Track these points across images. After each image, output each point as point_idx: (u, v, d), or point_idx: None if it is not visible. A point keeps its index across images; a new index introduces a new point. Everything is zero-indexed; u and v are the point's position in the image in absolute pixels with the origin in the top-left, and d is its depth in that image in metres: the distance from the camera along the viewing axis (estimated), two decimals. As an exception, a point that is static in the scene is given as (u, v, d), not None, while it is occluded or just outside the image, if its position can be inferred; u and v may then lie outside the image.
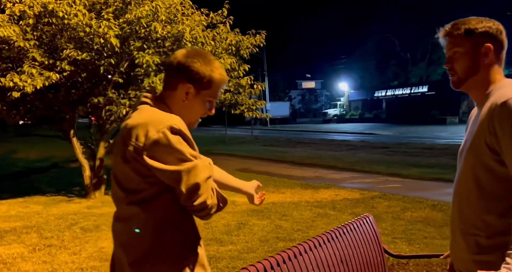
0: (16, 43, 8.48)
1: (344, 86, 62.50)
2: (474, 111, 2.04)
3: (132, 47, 9.02)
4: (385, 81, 60.12)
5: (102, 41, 8.51)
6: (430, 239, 6.19)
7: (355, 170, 13.76)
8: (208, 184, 1.79)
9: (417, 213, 7.77)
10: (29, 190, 11.01)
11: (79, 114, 10.78)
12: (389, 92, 55.38)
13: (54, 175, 14.41)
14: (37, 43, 8.96)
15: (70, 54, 8.56)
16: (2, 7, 9.00)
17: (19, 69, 8.61)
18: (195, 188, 1.75)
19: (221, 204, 1.86)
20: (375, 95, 57.33)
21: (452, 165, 2.06)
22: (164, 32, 8.91)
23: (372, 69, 61.28)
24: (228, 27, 10.39)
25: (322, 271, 2.77)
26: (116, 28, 8.59)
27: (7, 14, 8.83)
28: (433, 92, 46.49)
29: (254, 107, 11.13)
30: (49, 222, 7.84)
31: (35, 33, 9.02)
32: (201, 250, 1.93)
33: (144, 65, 8.72)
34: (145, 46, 9.07)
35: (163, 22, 9.02)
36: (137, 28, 8.90)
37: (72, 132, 10.24)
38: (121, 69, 9.23)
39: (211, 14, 10.41)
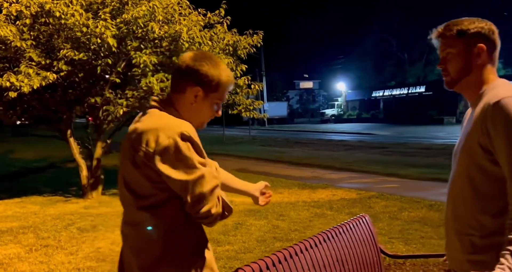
0: (13, 43, 8.46)
1: (341, 86, 62.52)
2: (469, 111, 2.05)
3: (129, 47, 9.01)
4: (382, 81, 60.16)
5: (99, 41, 8.50)
6: (427, 239, 6.20)
7: (353, 170, 13.77)
8: (214, 194, 1.81)
9: (414, 213, 7.78)
10: (26, 190, 10.99)
11: (77, 114, 10.77)
12: (387, 92, 55.42)
13: (51, 175, 14.40)
14: (34, 43, 8.94)
15: (67, 54, 8.55)
16: (-1, 7, 8.99)
17: (16, 69, 8.60)
18: (200, 198, 1.78)
19: (226, 213, 1.88)
20: (372, 95, 57.36)
21: (450, 165, 2.05)
22: (161, 32, 8.91)
23: (369, 69, 61.29)
24: (226, 27, 10.38)
25: (318, 271, 2.78)
26: (113, 28, 8.58)
27: (4, 14, 8.82)
28: (431, 92, 46.54)
29: (251, 107, 11.13)
30: (46, 222, 7.83)
31: (32, 33, 9.00)
32: (209, 254, 1.95)
33: (141, 65, 8.71)
34: (142, 46, 9.06)
35: (160, 22, 9.01)
36: (134, 28, 8.89)
37: (69, 132, 10.23)
38: (118, 69, 9.22)
39: (209, 14, 10.40)
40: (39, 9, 8.60)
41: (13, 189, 11.37)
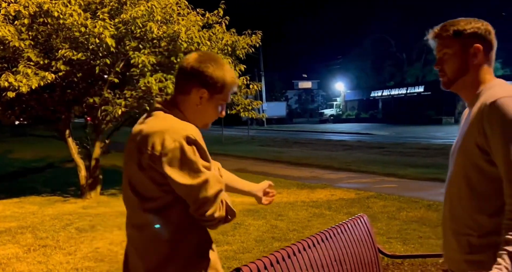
0: (11, 43, 8.44)
1: (340, 86, 62.55)
2: (466, 111, 2.05)
3: (127, 47, 9.01)
4: (381, 81, 60.21)
5: (97, 41, 8.50)
6: (425, 239, 6.21)
7: (351, 170, 13.78)
8: (218, 198, 1.82)
9: (413, 213, 7.79)
10: (25, 190, 10.98)
11: (75, 114, 10.76)
12: (385, 92, 55.45)
13: (50, 175, 14.39)
14: (32, 43, 8.94)
15: (65, 54, 8.54)
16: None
17: (14, 69, 8.59)
18: (204, 202, 1.79)
19: (229, 217, 1.89)
20: (371, 95, 57.39)
21: (448, 165, 2.06)
22: (160, 32, 8.90)
23: (368, 69, 61.35)
24: (224, 27, 10.38)
25: (316, 271, 2.78)
26: (111, 28, 8.57)
27: (2, 14, 8.80)
28: (429, 92, 46.58)
29: (250, 107, 11.13)
30: (44, 222, 7.82)
31: (30, 33, 9.00)
32: (213, 254, 1.96)
33: (140, 65, 8.71)
34: (140, 46, 9.06)
35: (159, 22, 9.02)
36: (132, 28, 8.89)
37: (67, 132, 10.22)
38: (117, 69, 9.22)
39: (207, 14, 10.40)
40: (37, 9, 8.59)
41: (11, 189, 11.36)
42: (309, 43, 73.10)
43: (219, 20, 10.46)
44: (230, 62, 9.92)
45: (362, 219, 3.45)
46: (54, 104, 10.08)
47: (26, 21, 8.71)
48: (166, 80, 9.07)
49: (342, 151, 20.22)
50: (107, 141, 10.53)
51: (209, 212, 1.80)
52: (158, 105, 1.94)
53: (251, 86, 10.90)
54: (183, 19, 9.45)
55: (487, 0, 44.27)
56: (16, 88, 8.19)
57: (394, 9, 54.58)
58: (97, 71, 8.90)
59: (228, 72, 1.95)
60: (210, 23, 10.42)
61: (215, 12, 10.52)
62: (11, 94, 8.30)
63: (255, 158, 18.07)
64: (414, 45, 50.69)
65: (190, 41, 9.09)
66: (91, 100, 9.37)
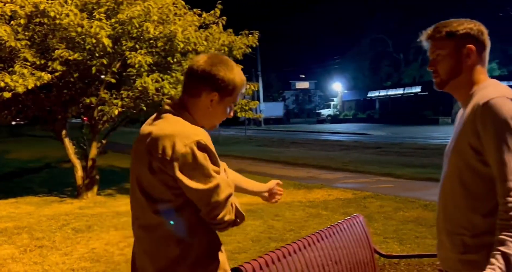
0: (7, 43, 8.43)
1: (337, 87, 62.59)
2: (460, 111, 2.06)
3: (124, 47, 9.01)
4: (378, 81, 60.29)
5: (94, 41, 8.49)
6: (422, 238, 6.21)
7: (348, 170, 13.78)
8: (228, 202, 1.84)
9: (409, 213, 7.79)
10: (21, 191, 10.97)
11: (72, 114, 10.74)
12: (382, 93, 55.48)
13: (46, 175, 14.37)
14: (28, 43, 8.92)
15: (61, 54, 8.53)
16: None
17: (10, 69, 8.58)
18: (215, 206, 1.80)
19: (238, 220, 1.90)
20: (368, 95, 57.42)
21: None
22: (157, 32, 8.90)
23: (365, 69, 61.44)
24: (221, 27, 10.38)
25: (312, 271, 2.78)
26: (108, 28, 8.57)
27: (-2, 14, 8.79)
28: (426, 93, 46.60)
29: (247, 107, 11.13)
30: (40, 222, 7.81)
31: (26, 33, 8.98)
32: (222, 256, 1.97)
33: (137, 65, 8.71)
34: (137, 46, 9.06)
35: (155, 22, 9.01)
36: (129, 28, 8.88)
37: (64, 132, 10.20)
38: (113, 69, 9.21)
39: (204, 14, 10.40)
40: (33, 9, 8.58)
41: (8, 189, 11.33)
42: (306, 44, 73.30)
43: (216, 20, 10.46)
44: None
45: (358, 219, 3.45)
46: (51, 104, 10.07)
47: (22, 21, 8.69)
48: (163, 80, 9.08)
49: (339, 151, 20.23)
50: (103, 141, 10.52)
51: (219, 216, 1.81)
52: (167, 107, 1.93)
53: (248, 86, 10.89)
54: (179, 19, 9.46)
55: (487, 0, 44.34)
56: (13, 88, 8.17)
57: (391, 10, 54.70)
58: (93, 71, 8.89)
59: (238, 74, 1.94)
60: (207, 23, 10.43)
61: (212, 12, 10.52)
62: (7, 94, 8.28)
63: (252, 158, 18.06)
64: (411, 45, 50.78)
65: (186, 41, 9.10)
66: (88, 100, 9.36)
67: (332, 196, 9.55)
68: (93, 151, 10.13)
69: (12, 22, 8.85)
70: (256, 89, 11.37)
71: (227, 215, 1.83)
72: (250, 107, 11.31)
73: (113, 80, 9.17)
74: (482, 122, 1.79)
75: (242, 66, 10.52)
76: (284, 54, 70.45)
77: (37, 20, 8.81)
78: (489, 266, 1.68)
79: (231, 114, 2.03)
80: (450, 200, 1.95)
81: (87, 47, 8.78)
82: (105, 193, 10.52)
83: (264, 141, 28.74)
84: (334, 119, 56.56)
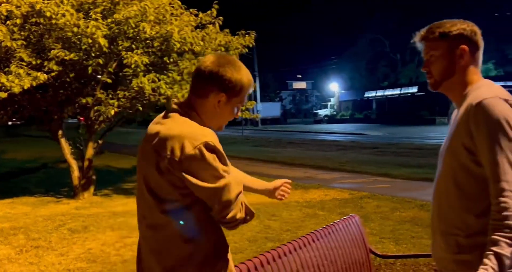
0: (3, 43, 8.42)
1: (334, 87, 62.63)
2: (455, 112, 2.06)
3: (120, 47, 8.99)
4: (375, 81, 60.35)
5: (90, 41, 8.48)
6: (418, 238, 6.22)
7: (345, 170, 13.79)
8: (239, 200, 1.85)
9: (406, 213, 7.80)
10: (18, 191, 10.94)
11: (68, 114, 10.73)
12: (379, 93, 55.52)
13: (43, 175, 14.34)
14: (24, 43, 8.90)
15: (57, 54, 8.51)
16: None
17: (6, 69, 8.55)
18: (227, 204, 1.81)
19: (248, 217, 1.91)
20: (365, 95, 57.45)
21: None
22: (153, 32, 8.89)
23: (362, 69, 61.49)
24: (218, 27, 10.37)
25: (307, 271, 2.78)
26: (104, 28, 8.55)
27: (-5, 14, 8.77)
28: (423, 93, 46.65)
29: (244, 108, 11.12)
30: (36, 223, 7.79)
31: (22, 33, 8.96)
32: (230, 256, 1.98)
33: (133, 65, 8.69)
34: (133, 46, 9.05)
35: (152, 22, 9.00)
36: (125, 28, 8.87)
37: (60, 132, 10.18)
38: (110, 69, 9.19)
39: (200, 14, 10.38)
40: (29, 9, 8.56)
41: (4, 189, 11.30)
42: (303, 44, 73.38)
43: (213, 21, 10.45)
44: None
45: (353, 220, 3.45)
46: (47, 104, 10.05)
47: (18, 21, 8.67)
48: (159, 80, 9.07)
49: (336, 152, 20.24)
50: (100, 142, 10.50)
51: (231, 215, 1.82)
52: (175, 106, 1.93)
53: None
54: (176, 19, 9.44)
55: (486, 0, 44.45)
56: (8, 88, 8.16)
57: (388, 10, 54.78)
58: (89, 71, 8.88)
59: (245, 75, 1.95)
60: (203, 23, 10.41)
61: (209, 12, 10.51)
62: (3, 95, 8.26)
63: (249, 159, 18.06)
64: (408, 45, 50.81)
65: (183, 41, 9.09)
66: (84, 101, 9.34)
67: (329, 196, 9.56)
68: (90, 151, 10.11)
69: (8, 22, 8.83)
70: (253, 89, 11.35)
71: (238, 213, 1.84)
72: (247, 107, 11.32)
73: (109, 80, 9.15)
74: (475, 122, 1.79)
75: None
76: (281, 54, 70.54)
77: (33, 20, 8.80)
78: (482, 266, 1.68)
79: (238, 114, 2.04)
80: (444, 200, 1.96)
81: (83, 47, 8.76)
82: (101, 194, 10.50)
83: (261, 141, 28.74)
84: (331, 119, 56.60)
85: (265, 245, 6.07)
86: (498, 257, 1.68)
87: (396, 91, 52.72)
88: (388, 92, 54.03)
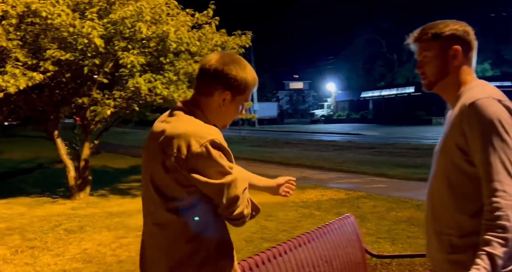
0: (-2, 43, 8.39)
1: (331, 87, 62.66)
2: (450, 112, 2.06)
3: (116, 47, 8.98)
4: (372, 81, 60.43)
5: (86, 41, 8.46)
6: (414, 238, 6.23)
7: (342, 170, 13.80)
8: (245, 196, 1.87)
9: (402, 213, 7.81)
10: (13, 191, 10.90)
11: (64, 114, 10.71)
12: (376, 93, 55.58)
13: (39, 176, 14.29)
14: (20, 43, 8.87)
15: (53, 54, 8.49)
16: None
17: (1, 69, 8.51)
18: (234, 200, 1.82)
19: (254, 213, 1.94)
20: (362, 95, 57.51)
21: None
22: (149, 33, 8.88)
23: (359, 70, 61.57)
24: (214, 27, 10.36)
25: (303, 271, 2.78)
26: (100, 28, 8.53)
27: (-10, 14, 8.74)
28: (419, 93, 46.68)
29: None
30: (32, 223, 7.77)
31: (18, 33, 8.93)
32: (235, 255, 1.99)
33: (129, 66, 8.68)
34: (129, 46, 9.03)
35: (148, 22, 8.98)
36: (121, 28, 8.86)
37: (56, 132, 10.15)
38: (106, 69, 9.17)
39: (197, 15, 10.38)
40: (25, 9, 8.54)
41: (0, 190, 11.26)
42: (300, 44, 73.31)
43: (209, 21, 10.44)
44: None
45: (349, 220, 3.45)
46: (43, 104, 10.02)
47: (14, 21, 8.64)
48: (155, 80, 9.05)
49: (332, 152, 20.25)
50: (96, 142, 10.48)
51: (238, 211, 1.83)
52: (180, 104, 1.95)
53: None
54: (172, 20, 9.44)
55: (484, 0, 44.45)
56: (4, 88, 8.13)
57: (385, 10, 54.81)
58: (85, 72, 8.85)
59: (250, 73, 1.95)
60: (199, 23, 10.40)
61: (205, 12, 10.50)
62: (-2, 95, 8.23)
63: (246, 159, 18.03)
64: (404, 46, 50.86)
65: (179, 41, 9.08)
66: (80, 101, 9.33)
67: (326, 196, 9.56)
68: (86, 152, 10.09)
69: (3, 22, 8.80)
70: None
71: (245, 209, 1.85)
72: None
73: (105, 80, 9.13)
74: (469, 122, 1.80)
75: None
76: (277, 54, 70.49)
77: (29, 20, 8.77)
78: (474, 266, 1.69)
79: (243, 112, 2.05)
80: (438, 200, 1.96)
81: (79, 47, 8.74)
82: (97, 194, 10.48)
83: (258, 141, 28.74)
84: (328, 119, 56.64)
85: (262, 246, 6.06)
86: (491, 257, 1.68)
87: (393, 91, 52.78)
88: (385, 92, 54.09)
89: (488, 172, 1.75)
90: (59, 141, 10.11)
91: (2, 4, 8.63)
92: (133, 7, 8.68)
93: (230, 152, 1.86)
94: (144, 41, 9.27)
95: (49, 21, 8.43)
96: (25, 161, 17.90)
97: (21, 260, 5.78)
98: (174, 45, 8.98)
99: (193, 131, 1.81)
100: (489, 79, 36.50)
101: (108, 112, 8.90)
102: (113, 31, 8.87)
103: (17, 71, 8.29)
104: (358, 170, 13.52)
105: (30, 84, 8.36)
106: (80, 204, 9.44)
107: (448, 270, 1.93)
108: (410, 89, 49.72)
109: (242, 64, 1.94)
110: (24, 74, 8.35)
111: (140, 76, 8.90)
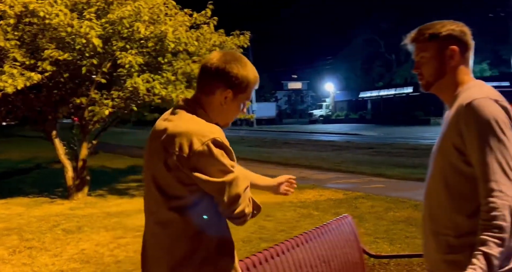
0: (-4, 43, 8.38)
1: (329, 87, 62.72)
2: (447, 112, 2.06)
3: (114, 47, 8.97)
4: (370, 82, 60.49)
5: (84, 41, 8.45)
6: (412, 238, 6.23)
7: (340, 170, 13.80)
8: (247, 194, 1.87)
9: (400, 213, 7.82)
10: (12, 192, 10.88)
11: (62, 114, 10.69)
12: (374, 93, 55.64)
13: (37, 176, 14.27)
14: (18, 43, 8.86)
15: (51, 54, 8.48)
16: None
17: (-1, 69, 8.52)
18: (236, 198, 1.82)
19: (255, 211, 1.93)
20: (360, 96, 57.57)
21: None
22: (147, 33, 8.87)
23: (357, 70, 61.63)
24: (212, 27, 10.36)
25: (300, 272, 2.78)
26: (98, 28, 8.53)
27: (-12, 14, 8.73)
28: (418, 93, 46.75)
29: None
30: (30, 223, 7.76)
31: (16, 33, 8.92)
32: (235, 253, 1.99)
33: (127, 66, 8.67)
34: (127, 46, 9.03)
35: (146, 22, 8.98)
36: (119, 28, 8.85)
37: (54, 132, 10.14)
38: (104, 69, 9.17)
39: (195, 15, 10.37)
40: (23, 9, 8.53)
41: (-2, 190, 11.26)
42: (298, 44, 73.37)
43: (207, 21, 10.44)
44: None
45: (346, 220, 3.45)
46: (41, 104, 10.01)
47: (11, 21, 8.64)
48: (154, 80, 9.05)
49: (331, 152, 20.26)
50: (94, 142, 10.47)
51: (239, 209, 1.83)
52: (181, 103, 1.95)
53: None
54: (170, 19, 9.43)
55: (483, 0, 44.46)
56: (2, 88, 8.12)
57: (383, 10, 54.85)
58: (83, 72, 8.85)
59: (251, 71, 1.96)
60: (198, 23, 10.40)
61: (203, 12, 10.50)
62: (-4, 95, 8.23)
63: (244, 159, 17.99)
64: (402, 46, 50.88)
65: (177, 41, 9.08)
66: (78, 101, 9.32)
67: (324, 196, 9.56)
68: (84, 152, 10.08)
69: (1, 22, 8.79)
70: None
71: (246, 207, 1.85)
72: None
73: (103, 80, 9.13)
74: (466, 122, 1.80)
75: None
76: (276, 54, 70.53)
77: (27, 20, 8.77)
78: (470, 266, 1.69)
79: (244, 110, 2.05)
80: (435, 200, 1.96)
81: (77, 47, 8.74)
82: (95, 194, 10.47)
83: (256, 141, 28.73)
84: (326, 119, 56.69)
85: (259, 246, 6.05)
86: (487, 257, 1.68)
87: (391, 91, 52.84)
88: (383, 92, 54.14)
89: (484, 172, 1.75)
90: (57, 141, 10.10)
91: (0, 4, 8.63)
92: (131, 7, 8.67)
93: (232, 150, 1.87)
94: (142, 41, 9.26)
95: (47, 21, 8.42)
96: (23, 161, 17.87)
97: (19, 260, 5.77)
98: (172, 45, 8.98)
99: (195, 129, 1.81)
100: (487, 79, 36.55)
101: (106, 112, 8.89)
102: (111, 31, 8.87)
103: (15, 71, 8.28)
104: (356, 170, 13.52)
105: (28, 84, 8.36)
106: (78, 204, 9.43)
107: (445, 270, 1.93)
108: (409, 89, 49.76)
109: (243, 62, 1.94)
110: (22, 74, 8.34)
111: (138, 76, 8.90)
